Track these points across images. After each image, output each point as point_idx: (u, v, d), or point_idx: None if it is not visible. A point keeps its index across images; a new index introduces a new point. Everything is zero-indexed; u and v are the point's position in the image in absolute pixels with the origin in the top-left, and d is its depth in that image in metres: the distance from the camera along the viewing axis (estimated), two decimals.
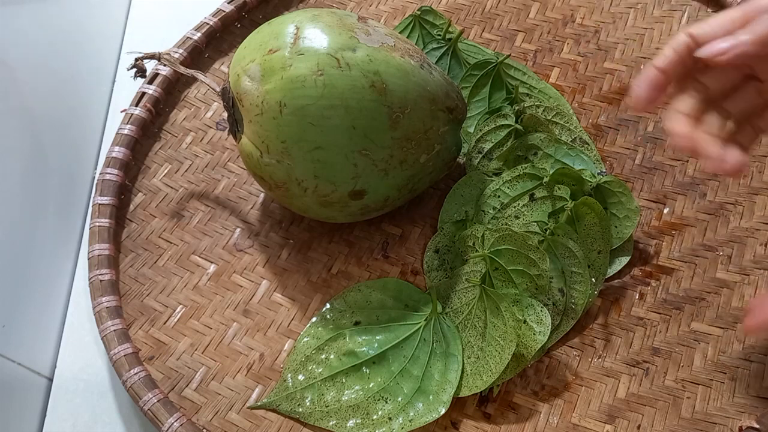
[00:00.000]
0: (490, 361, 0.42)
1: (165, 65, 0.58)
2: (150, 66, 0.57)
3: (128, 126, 0.56)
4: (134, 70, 0.52)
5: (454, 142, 0.48)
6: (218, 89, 0.48)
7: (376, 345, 0.45)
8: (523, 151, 0.51)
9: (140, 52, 0.51)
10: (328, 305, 0.47)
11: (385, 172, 0.44)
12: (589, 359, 0.44)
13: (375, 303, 0.46)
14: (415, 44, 0.52)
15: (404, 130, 0.43)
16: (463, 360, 0.43)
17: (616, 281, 0.47)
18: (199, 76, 0.50)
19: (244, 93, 0.43)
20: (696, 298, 0.45)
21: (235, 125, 0.46)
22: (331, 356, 0.45)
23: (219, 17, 0.61)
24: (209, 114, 0.59)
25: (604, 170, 0.51)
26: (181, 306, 0.49)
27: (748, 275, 0.46)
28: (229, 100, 0.46)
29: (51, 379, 0.49)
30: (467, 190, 0.50)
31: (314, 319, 0.47)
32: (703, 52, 0.35)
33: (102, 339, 0.46)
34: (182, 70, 0.51)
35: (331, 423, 0.43)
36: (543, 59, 0.59)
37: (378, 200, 0.46)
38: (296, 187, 0.44)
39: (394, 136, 0.43)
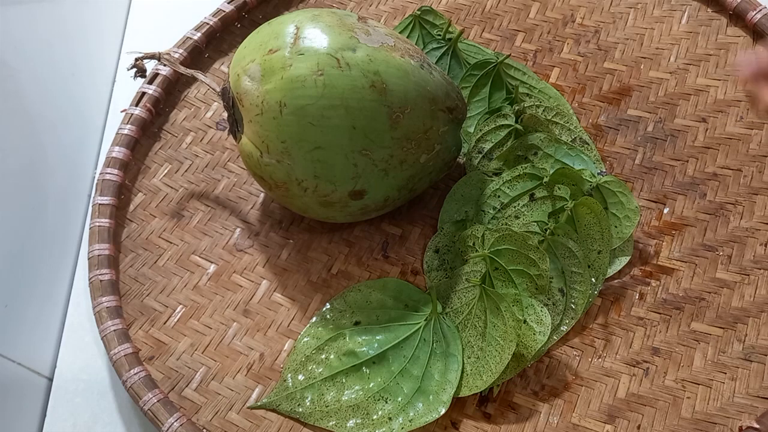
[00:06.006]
0: (490, 361, 0.42)
1: (165, 65, 0.58)
2: (150, 66, 0.57)
3: (128, 126, 0.56)
4: (134, 70, 0.52)
5: (454, 142, 0.48)
6: (218, 89, 0.48)
7: (376, 345, 0.45)
8: (523, 151, 0.51)
9: (140, 52, 0.51)
10: (328, 305, 0.47)
11: (385, 172, 0.44)
12: (589, 359, 0.44)
13: (375, 303, 0.46)
14: (415, 44, 0.52)
15: (404, 130, 0.43)
16: (463, 360, 0.43)
17: (616, 281, 0.47)
18: (199, 76, 0.50)
19: (244, 93, 0.43)
20: (696, 298, 0.45)
21: (235, 125, 0.46)
22: (331, 356, 0.45)
23: (219, 17, 0.61)
24: (209, 114, 0.59)
25: (604, 170, 0.51)
26: (181, 306, 0.49)
27: (748, 275, 0.46)
28: (229, 100, 0.45)
29: (51, 379, 0.49)
30: (467, 190, 0.50)
31: (314, 319, 0.47)
32: None
33: (102, 339, 0.46)
34: (182, 70, 0.51)
35: (331, 423, 0.43)
36: (543, 59, 0.59)
37: (378, 200, 0.46)
38: (296, 187, 0.44)
39: (394, 136, 0.43)
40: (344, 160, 0.43)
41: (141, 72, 0.51)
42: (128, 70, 0.52)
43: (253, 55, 0.43)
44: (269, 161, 0.43)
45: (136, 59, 0.51)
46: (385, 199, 0.46)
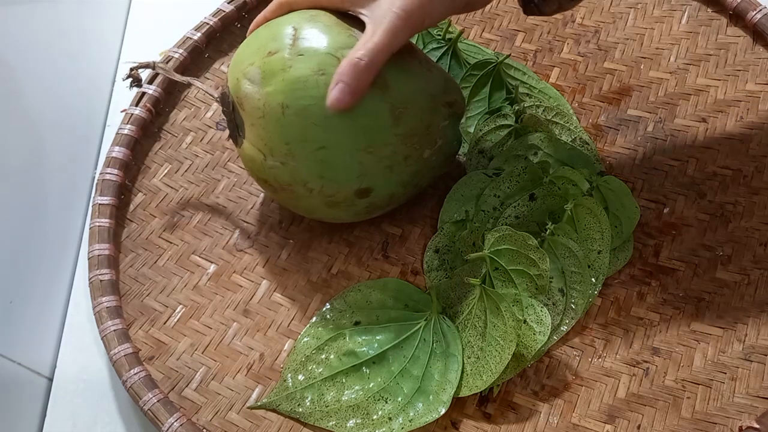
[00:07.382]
0: (490, 361, 0.42)
1: (159, 74, 0.57)
2: (145, 74, 0.57)
3: (128, 126, 0.56)
4: (129, 80, 0.51)
5: (454, 136, 0.48)
6: (216, 95, 0.47)
7: (376, 345, 0.45)
8: (523, 151, 0.51)
9: (135, 62, 0.51)
10: (328, 305, 0.47)
11: (389, 168, 0.44)
12: (589, 359, 0.44)
13: (375, 303, 0.46)
14: (415, 44, 0.52)
15: (407, 126, 0.43)
16: (463, 360, 0.43)
17: (616, 281, 0.47)
18: (196, 83, 0.49)
19: (244, 97, 0.43)
20: (696, 298, 0.45)
21: (236, 130, 0.46)
22: (331, 356, 0.45)
23: (219, 17, 0.61)
24: (209, 114, 0.59)
25: (604, 170, 0.51)
26: (181, 306, 0.49)
27: (748, 275, 0.46)
28: (229, 105, 0.45)
29: (51, 379, 0.49)
30: (467, 190, 0.50)
31: (314, 319, 0.47)
32: None
33: (102, 339, 0.46)
34: (177, 77, 0.50)
35: (331, 423, 0.43)
36: (543, 59, 0.59)
37: (383, 197, 0.46)
38: (302, 188, 0.44)
39: (396, 132, 0.43)
40: (349, 158, 0.43)
41: (136, 81, 0.51)
42: (123, 80, 0.51)
43: (251, 58, 0.43)
44: (273, 164, 0.43)
45: (131, 69, 0.50)
46: (390, 196, 0.46)
